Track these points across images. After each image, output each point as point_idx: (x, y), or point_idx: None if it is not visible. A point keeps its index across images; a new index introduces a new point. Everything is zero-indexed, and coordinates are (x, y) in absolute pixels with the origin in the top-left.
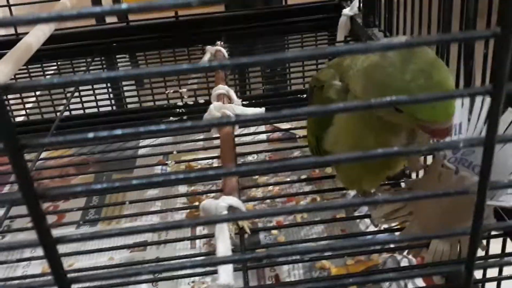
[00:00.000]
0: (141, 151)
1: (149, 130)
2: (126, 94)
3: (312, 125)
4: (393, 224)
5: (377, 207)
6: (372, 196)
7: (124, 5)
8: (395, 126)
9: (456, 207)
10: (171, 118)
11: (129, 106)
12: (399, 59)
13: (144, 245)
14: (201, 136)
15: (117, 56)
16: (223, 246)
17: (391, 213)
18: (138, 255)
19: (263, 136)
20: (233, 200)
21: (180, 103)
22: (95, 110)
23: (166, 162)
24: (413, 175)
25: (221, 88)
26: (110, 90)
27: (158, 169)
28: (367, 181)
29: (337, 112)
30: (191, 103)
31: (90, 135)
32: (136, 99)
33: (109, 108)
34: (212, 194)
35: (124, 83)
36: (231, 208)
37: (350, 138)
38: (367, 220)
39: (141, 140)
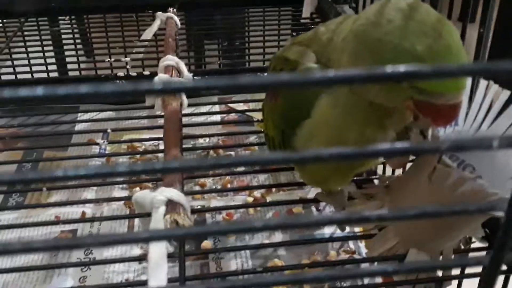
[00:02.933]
0: (78, 127)
1: (71, 94)
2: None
3: (276, 117)
4: (357, 230)
5: (346, 208)
6: (339, 194)
7: None
8: (383, 118)
9: None
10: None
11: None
12: (399, 16)
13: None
14: (145, 114)
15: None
16: (157, 249)
17: None
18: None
19: (217, 117)
20: (173, 193)
21: (121, 74)
22: (29, 76)
23: (105, 140)
24: (388, 170)
25: (170, 59)
26: (45, 54)
27: (96, 149)
28: (335, 180)
29: (324, 84)
30: (135, 74)
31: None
32: (76, 66)
33: (45, 75)
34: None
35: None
36: (170, 202)
37: (330, 134)
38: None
39: (79, 114)
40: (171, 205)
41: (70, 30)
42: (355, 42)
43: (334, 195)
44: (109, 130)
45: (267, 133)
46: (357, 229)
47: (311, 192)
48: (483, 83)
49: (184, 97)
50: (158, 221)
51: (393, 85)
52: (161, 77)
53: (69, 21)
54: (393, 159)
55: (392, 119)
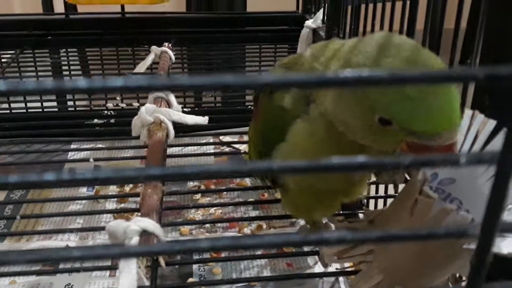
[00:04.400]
0: (71, 155)
1: None
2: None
3: (256, 138)
4: (346, 265)
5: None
6: (324, 227)
7: None
8: (361, 151)
9: (431, 247)
10: (96, 121)
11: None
12: (375, 50)
13: (52, 272)
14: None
15: (52, 50)
16: (127, 282)
17: (346, 250)
18: (46, 280)
19: (210, 151)
20: (148, 223)
21: (110, 105)
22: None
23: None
24: (372, 205)
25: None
26: None
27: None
28: (319, 210)
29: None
30: (124, 105)
31: None
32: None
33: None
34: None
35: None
36: (144, 233)
37: (304, 160)
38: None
39: (72, 144)
40: (145, 236)
41: (66, 62)
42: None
43: (318, 229)
44: (91, 160)
45: (249, 155)
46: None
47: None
48: (468, 113)
49: (170, 127)
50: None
51: (384, 130)
52: (148, 107)
53: (65, 54)
54: (383, 176)
55: (371, 151)
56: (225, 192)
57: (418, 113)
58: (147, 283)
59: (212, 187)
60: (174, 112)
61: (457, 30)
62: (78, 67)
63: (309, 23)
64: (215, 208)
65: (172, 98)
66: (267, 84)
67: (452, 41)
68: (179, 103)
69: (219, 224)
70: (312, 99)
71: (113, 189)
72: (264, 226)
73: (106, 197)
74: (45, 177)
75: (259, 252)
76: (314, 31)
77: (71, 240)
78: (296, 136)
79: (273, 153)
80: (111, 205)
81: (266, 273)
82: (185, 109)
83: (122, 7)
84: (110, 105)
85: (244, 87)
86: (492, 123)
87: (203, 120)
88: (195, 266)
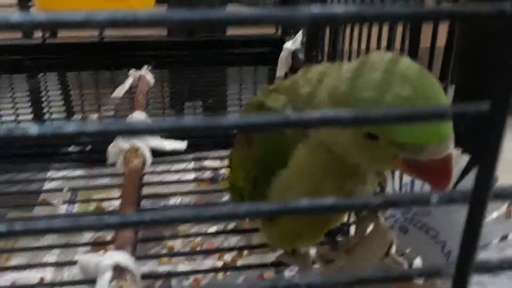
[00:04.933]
0: (47, 185)
1: None
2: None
3: (249, 164)
4: None
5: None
6: (304, 255)
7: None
8: (364, 174)
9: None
10: (71, 148)
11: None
12: (365, 68)
13: None
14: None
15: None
16: None
17: None
18: None
19: (191, 176)
20: (121, 257)
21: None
22: None
23: (73, 200)
24: (352, 231)
25: (137, 116)
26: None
27: (63, 209)
28: (303, 241)
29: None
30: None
31: None
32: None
33: None
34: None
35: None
36: (117, 267)
37: (307, 185)
38: None
39: (49, 173)
40: (119, 270)
41: (43, 87)
42: (329, 102)
43: (298, 257)
44: (65, 190)
45: (235, 184)
46: None
47: None
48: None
49: (147, 154)
50: None
51: (374, 145)
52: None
53: (43, 78)
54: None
55: (373, 174)
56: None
57: (401, 125)
58: None
59: None
60: (151, 138)
61: (432, 50)
62: (57, 92)
63: (288, 45)
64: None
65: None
66: (230, 127)
67: (428, 62)
68: None
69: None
70: None
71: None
72: (245, 252)
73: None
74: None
75: (240, 280)
76: (293, 53)
77: (47, 271)
78: (299, 161)
79: (272, 179)
80: (88, 234)
81: None
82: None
83: (101, 33)
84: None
85: (208, 129)
86: (465, 159)
87: (181, 145)
88: None
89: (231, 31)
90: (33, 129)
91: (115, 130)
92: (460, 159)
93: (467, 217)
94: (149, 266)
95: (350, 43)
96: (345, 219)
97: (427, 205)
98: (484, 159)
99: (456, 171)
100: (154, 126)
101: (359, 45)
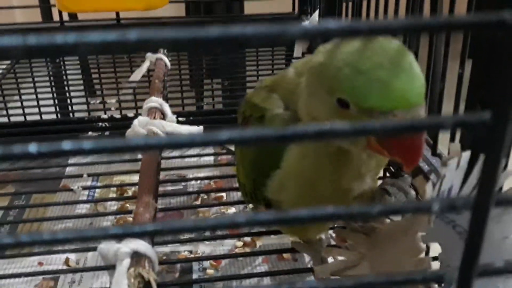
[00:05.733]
0: (69, 170)
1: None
2: (42, 102)
3: (248, 167)
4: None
5: (323, 262)
6: (317, 244)
7: None
8: (358, 166)
9: None
10: (90, 133)
11: (44, 116)
12: (336, 45)
13: None
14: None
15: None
16: None
17: (340, 271)
18: None
19: (210, 158)
20: (139, 244)
21: (104, 116)
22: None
23: (95, 184)
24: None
25: (154, 101)
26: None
27: (84, 194)
28: (312, 230)
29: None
30: (118, 116)
31: None
32: (52, 108)
33: (38, 117)
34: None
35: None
36: (135, 254)
37: (302, 185)
38: None
39: (70, 157)
40: (137, 257)
41: (63, 72)
42: (308, 78)
43: (310, 245)
44: (85, 175)
45: (243, 183)
46: None
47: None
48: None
49: None
50: (121, 274)
51: (346, 115)
52: (141, 119)
53: (61, 63)
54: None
55: (366, 164)
56: (223, 207)
57: (370, 88)
58: None
59: (212, 195)
60: (168, 124)
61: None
62: (77, 76)
63: (305, 24)
64: None
65: (166, 108)
66: (225, 142)
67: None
68: (175, 112)
69: (219, 233)
70: (298, 118)
71: (111, 204)
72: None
73: (105, 214)
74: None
75: (259, 260)
76: None
77: (71, 254)
78: (292, 161)
79: (267, 182)
80: (111, 217)
81: (266, 280)
82: (180, 118)
83: (117, 13)
84: (105, 116)
85: (204, 145)
86: (466, 155)
87: (197, 130)
88: (195, 275)
89: (248, 10)
90: (32, 148)
91: (110, 147)
92: (460, 155)
93: (470, 223)
94: (171, 247)
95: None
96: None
97: (429, 213)
98: (487, 167)
99: (459, 169)
100: (150, 142)
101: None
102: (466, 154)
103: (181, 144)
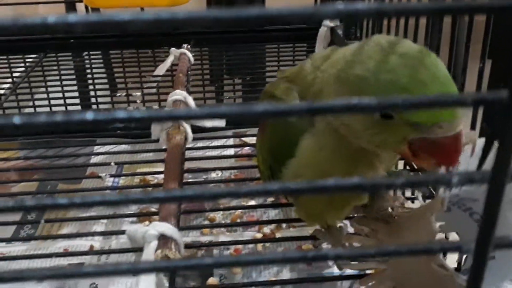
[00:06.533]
0: (94, 159)
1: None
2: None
3: (265, 154)
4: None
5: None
6: (337, 231)
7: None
8: (372, 158)
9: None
10: (117, 124)
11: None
12: (379, 51)
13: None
14: (152, 147)
15: (75, 53)
16: (146, 284)
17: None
18: (71, 280)
19: (230, 151)
20: (165, 228)
21: (130, 108)
22: (47, 109)
23: (119, 173)
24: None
25: (178, 94)
26: (64, 88)
27: (109, 181)
28: (330, 216)
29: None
30: (143, 108)
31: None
32: (77, 100)
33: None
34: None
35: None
36: (162, 237)
37: (315, 175)
38: None
39: (95, 147)
40: (164, 240)
41: (89, 65)
42: (336, 84)
43: (331, 232)
44: (112, 164)
45: (262, 169)
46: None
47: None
48: (481, 141)
49: (188, 131)
50: (149, 256)
51: (387, 126)
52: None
53: (87, 57)
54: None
55: (381, 158)
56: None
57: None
58: (166, 284)
59: (232, 186)
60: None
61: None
62: (101, 70)
63: (326, 21)
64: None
65: (190, 101)
66: (262, 114)
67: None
68: (197, 105)
69: (238, 221)
70: None
71: (136, 192)
72: (284, 225)
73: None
74: (59, 201)
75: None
76: (332, 30)
77: (95, 240)
78: (306, 151)
79: (283, 169)
80: (134, 206)
81: (286, 271)
82: None
83: (142, 9)
84: (130, 107)
85: (241, 115)
86: (481, 142)
87: (221, 122)
88: None
89: (269, 4)
90: (89, 115)
91: (158, 116)
92: (475, 142)
93: (486, 196)
94: (192, 237)
95: (389, 20)
96: (365, 200)
97: (448, 185)
98: (502, 143)
99: (474, 156)
100: (192, 113)
101: (397, 21)
102: (481, 141)
103: (211, 114)
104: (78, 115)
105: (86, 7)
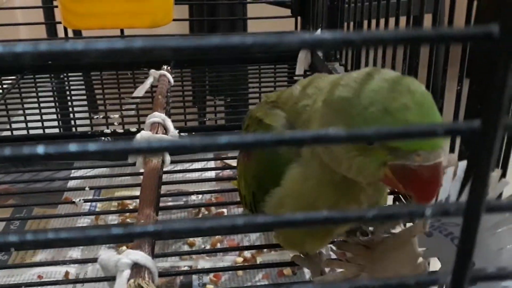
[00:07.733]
0: (70, 184)
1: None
2: (46, 117)
3: (248, 177)
4: None
5: (322, 275)
6: (317, 258)
7: None
8: (357, 193)
9: None
10: None
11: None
12: (362, 75)
13: None
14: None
15: (53, 75)
16: None
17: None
18: None
19: (212, 173)
20: (139, 256)
21: (107, 131)
22: (25, 132)
23: (96, 198)
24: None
25: (157, 116)
26: (41, 111)
27: (86, 207)
28: (310, 245)
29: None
30: (121, 131)
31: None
32: (55, 123)
33: (41, 131)
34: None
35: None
36: (135, 266)
37: (299, 206)
38: None
39: (72, 171)
40: (137, 268)
41: (67, 87)
42: (323, 108)
43: (310, 259)
44: (87, 188)
45: (240, 190)
46: None
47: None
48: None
49: (166, 154)
50: (121, 285)
51: (367, 151)
52: (143, 134)
53: (65, 78)
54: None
55: (366, 192)
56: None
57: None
58: None
59: (212, 209)
60: (170, 139)
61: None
62: (80, 92)
63: (302, 34)
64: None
65: (168, 123)
66: (226, 147)
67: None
68: (178, 127)
69: (219, 245)
70: None
71: (112, 219)
72: (265, 250)
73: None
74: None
75: (259, 276)
76: (312, 52)
77: (71, 266)
78: (291, 182)
79: (266, 197)
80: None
81: None
82: (182, 134)
83: (122, 31)
84: (108, 130)
85: (204, 150)
86: (462, 165)
87: None
88: None
89: (251, 29)
90: (40, 149)
91: (114, 149)
92: (457, 164)
93: (462, 229)
94: (171, 262)
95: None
96: (347, 228)
97: (422, 217)
98: (477, 174)
99: (456, 179)
100: (154, 145)
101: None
102: (463, 164)
103: (182, 147)
104: (29, 148)
105: (65, 29)
